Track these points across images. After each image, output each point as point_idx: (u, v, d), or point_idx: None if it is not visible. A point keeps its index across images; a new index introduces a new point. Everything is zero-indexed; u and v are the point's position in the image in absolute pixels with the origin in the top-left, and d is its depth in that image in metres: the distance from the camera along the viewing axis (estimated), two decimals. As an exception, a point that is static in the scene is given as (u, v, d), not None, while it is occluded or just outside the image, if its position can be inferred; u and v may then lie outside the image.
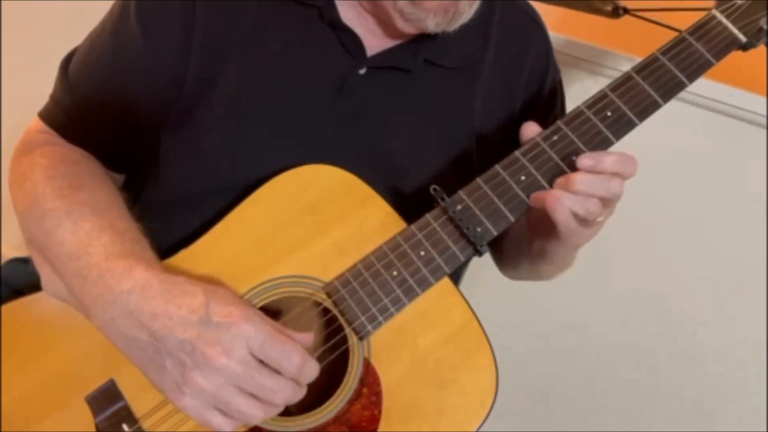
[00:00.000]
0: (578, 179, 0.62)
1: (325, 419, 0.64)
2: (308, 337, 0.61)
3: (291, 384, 0.57)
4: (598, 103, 0.67)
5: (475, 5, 0.72)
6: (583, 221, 0.63)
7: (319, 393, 0.66)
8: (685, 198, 1.19)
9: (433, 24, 0.70)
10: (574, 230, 0.64)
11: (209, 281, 0.65)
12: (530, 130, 0.67)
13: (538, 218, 0.67)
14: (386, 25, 0.75)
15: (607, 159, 0.62)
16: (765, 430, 1.22)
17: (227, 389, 0.55)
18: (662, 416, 1.32)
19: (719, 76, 1.10)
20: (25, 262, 0.82)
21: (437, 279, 0.66)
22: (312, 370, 0.58)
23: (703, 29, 0.68)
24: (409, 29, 0.72)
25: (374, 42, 0.75)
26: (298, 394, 0.58)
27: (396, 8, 0.70)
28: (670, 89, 0.67)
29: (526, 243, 0.76)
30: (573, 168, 0.65)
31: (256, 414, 0.57)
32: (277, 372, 0.57)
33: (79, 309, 0.63)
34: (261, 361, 0.56)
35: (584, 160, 0.63)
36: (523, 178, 0.66)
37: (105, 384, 0.64)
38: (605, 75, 1.18)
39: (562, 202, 0.62)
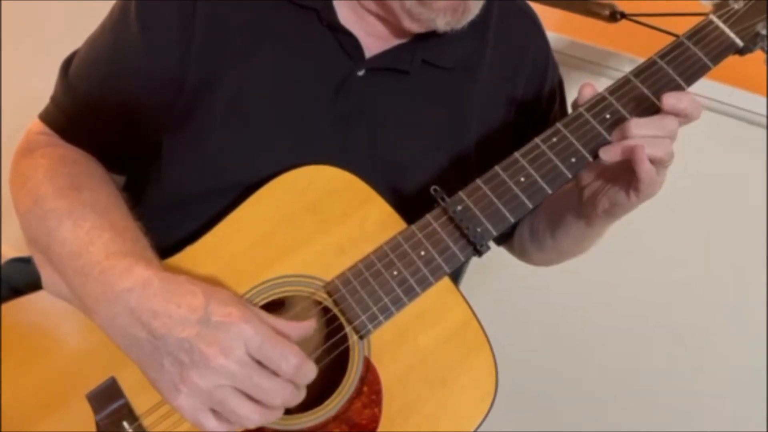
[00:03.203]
0: (632, 124, 0.64)
1: (325, 417, 0.64)
2: (308, 325, 0.61)
3: (288, 386, 0.57)
4: (596, 105, 0.67)
5: (482, 2, 0.72)
6: (660, 162, 0.65)
7: (319, 391, 0.66)
8: (685, 198, 1.19)
9: (443, 23, 0.71)
10: (653, 177, 0.65)
11: (210, 281, 0.65)
12: (587, 91, 0.68)
13: (616, 174, 0.67)
14: (388, 24, 0.75)
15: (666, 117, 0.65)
16: (765, 430, 1.22)
17: (223, 389, 0.55)
18: (662, 416, 1.32)
19: (719, 76, 1.09)
20: (25, 262, 0.82)
21: (437, 278, 0.67)
22: (309, 372, 0.58)
23: (701, 33, 0.69)
24: (417, 28, 0.73)
25: (372, 43, 0.75)
26: (296, 397, 0.58)
27: (404, 8, 0.70)
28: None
29: (570, 212, 0.77)
30: (572, 169, 0.66)
31: (251, 417, 0.56)
32: (275, 374, 0.57)
33: (81, 308, 0.63)
34: (259, 363, 0.56)
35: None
36: (522, 179, 0.67)
37: (105, 382, 0.64)
38: (607, 76, 1.18)
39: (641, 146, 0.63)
